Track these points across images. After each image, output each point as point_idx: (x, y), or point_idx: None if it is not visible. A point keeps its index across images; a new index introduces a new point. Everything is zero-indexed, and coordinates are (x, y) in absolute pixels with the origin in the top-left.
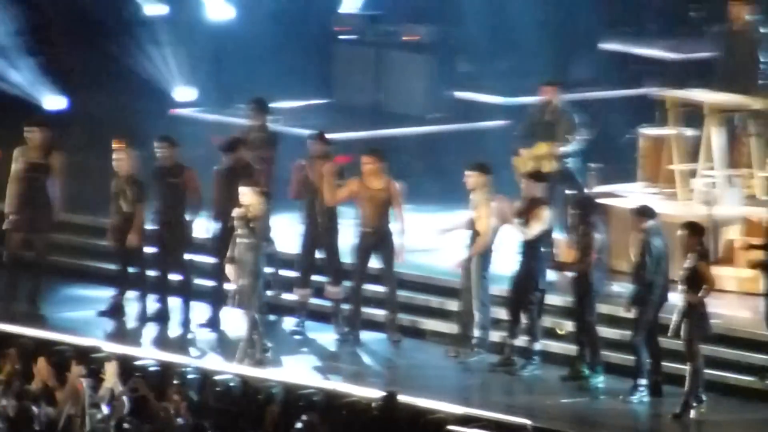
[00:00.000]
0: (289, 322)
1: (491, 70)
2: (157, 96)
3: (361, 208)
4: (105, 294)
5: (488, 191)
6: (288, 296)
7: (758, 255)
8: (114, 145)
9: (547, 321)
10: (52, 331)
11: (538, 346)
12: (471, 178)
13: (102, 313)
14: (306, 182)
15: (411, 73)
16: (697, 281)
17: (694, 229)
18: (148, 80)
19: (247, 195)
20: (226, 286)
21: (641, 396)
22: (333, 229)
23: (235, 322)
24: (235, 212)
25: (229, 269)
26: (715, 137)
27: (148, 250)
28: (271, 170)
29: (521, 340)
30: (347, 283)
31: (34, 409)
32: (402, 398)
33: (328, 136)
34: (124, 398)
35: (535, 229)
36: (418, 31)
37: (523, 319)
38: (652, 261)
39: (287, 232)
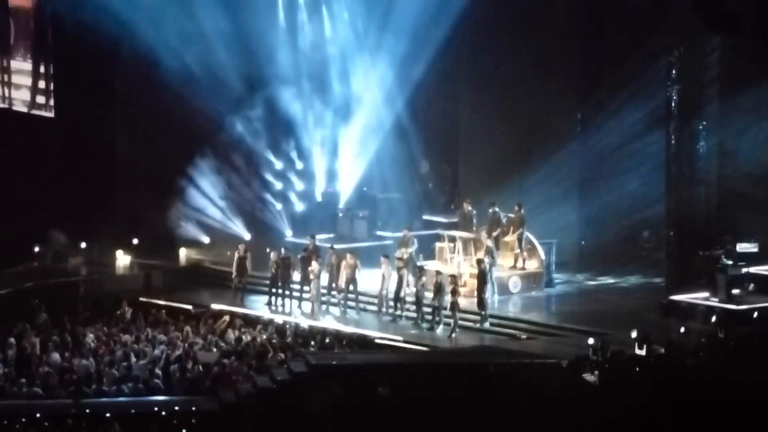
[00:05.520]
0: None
1: (391, 225)
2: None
3: (345, 270)
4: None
5: (389, 262)
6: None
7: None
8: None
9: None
10: (247, 310)
11: (402, 315)
12: (383, 258)
13: (267, 304)
14: (331, 263)
15: (361, 227)
16: (455, 292)
17: (454, 276)
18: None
19: (314, 265)
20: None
21: (438, 329)
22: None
23: (307, 307)
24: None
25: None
26: (459, 245)
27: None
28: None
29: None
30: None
31: (243, 337)
32: (358, 331)
33: (337, 246)
34: (258, 340)
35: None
36: (363, 211)
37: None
38: (442, 289)
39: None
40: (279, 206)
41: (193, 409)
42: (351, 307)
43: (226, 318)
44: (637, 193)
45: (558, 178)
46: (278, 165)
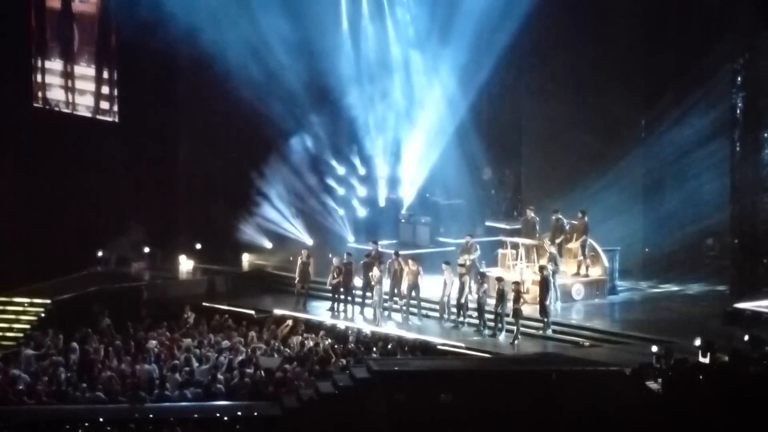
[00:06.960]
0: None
1: (453, 231)
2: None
3: (408, 276)
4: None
5: (452, 269)
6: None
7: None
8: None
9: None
10: (310, 315)
11: (462, 320)
12: (445, 264)
13: (329, 309)
14: (394, 270)
15: (423, 233)
16: (517, 299)
17: (517, 282)
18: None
19: (376, 271)
20: (369, 300)
21: (500, 336)
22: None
23: (369, 312)
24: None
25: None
26: (522, 252)
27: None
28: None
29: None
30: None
31: (306, 343)
32: (420, 337)
33: (401, 252)
34: (320, 346)
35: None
36: (426, 217)
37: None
38: (504, 296)
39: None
40: (342, 212)
41: (255, 414)
42: (413, 314)
43: (289, 323)
44: (701, 200)
45: (622, 185)
46: (341, 170)
